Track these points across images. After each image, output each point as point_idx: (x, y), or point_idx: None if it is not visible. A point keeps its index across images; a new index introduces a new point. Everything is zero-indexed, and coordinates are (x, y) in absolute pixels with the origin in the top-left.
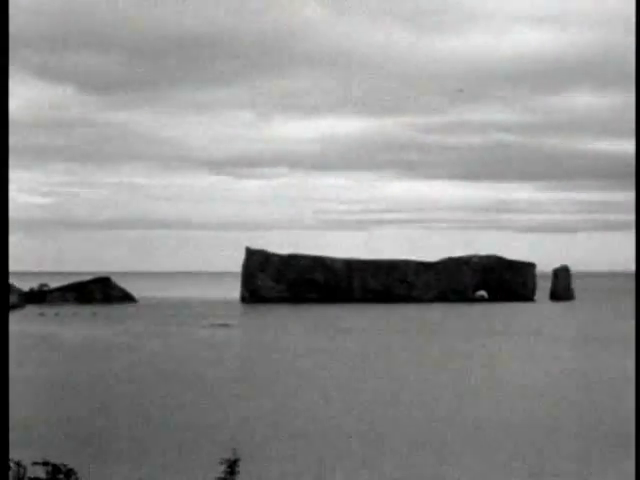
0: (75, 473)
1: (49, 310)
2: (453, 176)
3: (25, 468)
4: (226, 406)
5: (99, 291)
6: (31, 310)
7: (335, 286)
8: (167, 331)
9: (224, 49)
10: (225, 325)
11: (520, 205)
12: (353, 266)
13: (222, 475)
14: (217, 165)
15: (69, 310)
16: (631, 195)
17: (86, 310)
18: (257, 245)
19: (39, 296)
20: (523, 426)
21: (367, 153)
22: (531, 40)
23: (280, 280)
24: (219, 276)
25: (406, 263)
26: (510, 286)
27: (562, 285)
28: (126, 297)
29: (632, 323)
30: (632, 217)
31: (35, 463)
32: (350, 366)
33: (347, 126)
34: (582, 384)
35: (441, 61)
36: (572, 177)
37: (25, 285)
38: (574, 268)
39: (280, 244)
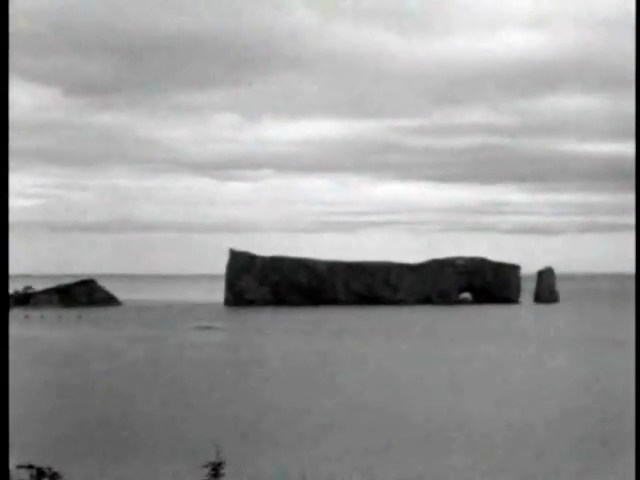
0: (60, 476)
1: (34, 313)
2: (438, 178)
3: (9, 472)
4: (211, 408)
5: (84, 294)
6: (16, 313)
7: (319, 288)
8: (152, 334)
9: (209, 52)
10: (209, 328)
11: (505, 207)
12: (336, 268)
13: (206, 478)
14: (202, 167)
15: (54, 313)
16: (615, 197)
17: (71, 313)
18: (242, 247)
19: (24, 299)
20: (512, 426)
21: (352, 155)
22: (517, 43)
23: (264, 282)
24: (204, 279)
25: (390, 265)
26: (494, 288)
27: (546, 287)
28: (111, 300)
29: (616, 324)
30: (616, 219)
31: (19, 466)
32: (334, 368)
33: (332, 128)
34: (571, 385)
35: (427, 64)
36: (556, 179)
37: (10, 288)
38: (558, 270)
39: (265, 246)
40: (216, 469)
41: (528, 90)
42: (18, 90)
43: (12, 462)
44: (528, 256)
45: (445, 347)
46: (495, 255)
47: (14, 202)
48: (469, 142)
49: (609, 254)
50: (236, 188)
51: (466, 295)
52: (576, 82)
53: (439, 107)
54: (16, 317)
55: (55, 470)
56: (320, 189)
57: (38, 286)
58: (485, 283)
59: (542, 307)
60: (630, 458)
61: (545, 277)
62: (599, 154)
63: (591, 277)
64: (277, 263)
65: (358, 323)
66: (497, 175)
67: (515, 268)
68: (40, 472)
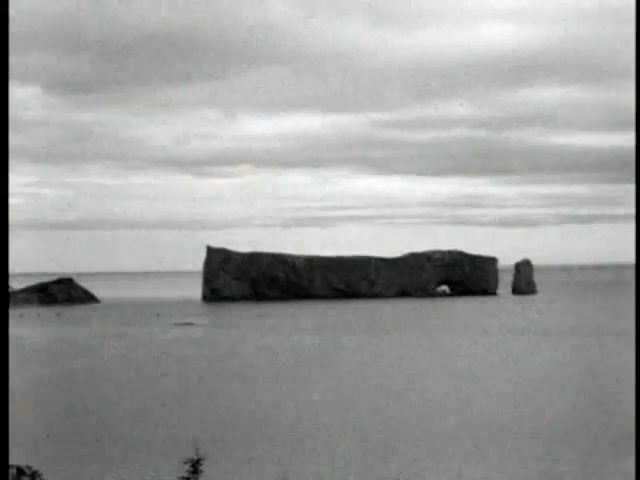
0: (40, 475)
1: (12, 312)
2: (416, 172)
3: (8, 472)
4: (190, 405)
5: (62, 292)
6: None
7: (297, 283)
8: (130, 331)
9: (188, 48)
10: (187, 324)
11: (483, 200)
12: (314, 263)
13: (186, 475)
14: (180, 164)
15: (33, 311)
16: (593, 189)
17: (50, 311)
18: (221, 244)
19: None
20: (498, 421)
21: (331, 150)
22: (496, 36)
23: (241, 278)
24: (182, 275)
25: (367, 260)
26: (472, 281)
27: (524, 279)
28: (89, 297)
29: (594, 314)
30: (594, 211)
31: None
32: (312, 363)
33: (311, 123)
34: (552, 377)
35: (406, 57)
36: (535, 171)
37: None
38: (536, 262)
39: (244, 242)
40: (195, 466)
41: (507, 83)
42: None
43: None
44: (506, 249)
45: (424, 340)
46: (474, 248)
47: None
48: (448, 135)
49: (587, 246)
50: (215, 184)
51: (444, 288)
52: (555, 74)
53: (418, 101)
54: None
55: (35, 469)
56: (299, 184)
57: (16, 285)
58: (462, 276)
59: (520, 299)
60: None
61: (522, 269)
62: (578, 146)
63: (569, 269)
64: (254, 259)
65: (336, 317)
66: (475, 168)
67: (492, 260)
68: (20, 471)
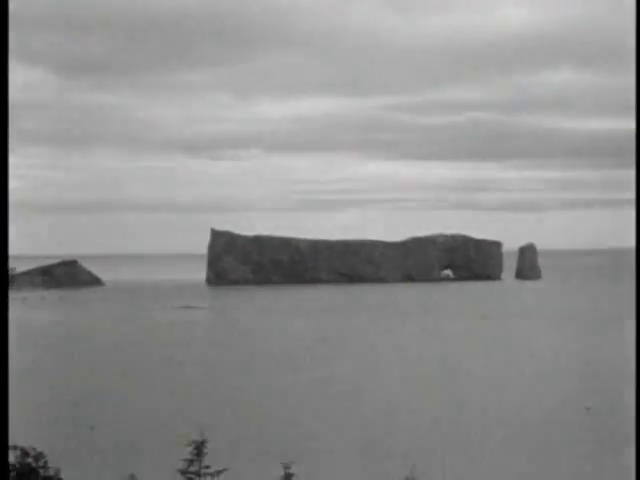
0: (44, 456)
1: (16, 294)
2: (425, 156)
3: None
4: (195, 387)
5: (66, 275)
6: None
7: (301, 267)
8: (133, 314)
9: (201, 31)
10: (191, 307)
11: (490, 184)
12: (319, 247)
13: (189, 456)
14: (190, 147)
15: (36, 294)
16: (599, 173)
17: (53, 294)
18: (227, 227)
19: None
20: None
21: (341, 133)
22: (512, 19)
23: (246, 262)
24: (188, 258)
25: (372, 244)
26: (476, 265)
27: (528, 263)
28: (93, 280)
29: (596, 301)
30: (602, 196)
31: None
32: (316, 346)
33: (321, 106)
34: (549, 363)
35: (420, 40)
36: (542, 155)
37: None
38: (541, 246)
39: (250, 226)
40: (199, 448)
41: (518, 67)
42: (10, 70)
43: None
44: (512, 233)
45: (428, 323)
46: (479, 232)
47: None
48: (458, 119)
49: (593, 230)
50: (224, 167)
51: (447, 272)
52: (568, 59)
53: (429, 84)
54: None
55: (39, 450)
56: (307, 168)
57: (21, 267)
58: (466, 260)
59: (523, 283)
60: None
61: (527, 254)
62: (586, 130)
63: (575, 253)
64: (259, 242)
65: (340, 301)
66: (483, 152)
67: (496, 245)
68: (24, 452)
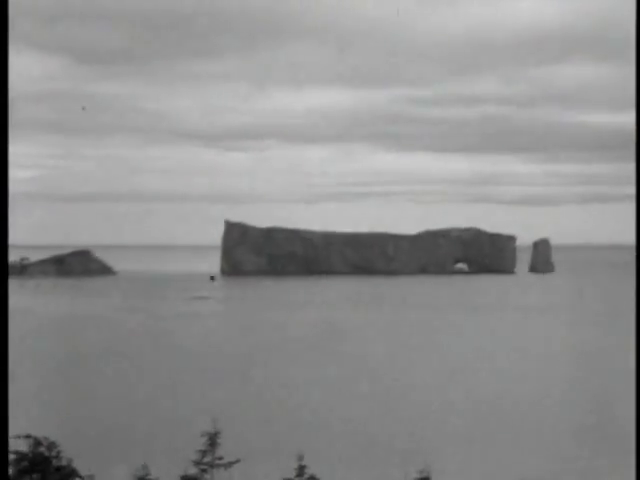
0: (57, 446)
1: (30, 282)
2: (440, 149)
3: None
4: (208, 378)
5: (79, 264)
6: (11, 283)
7: (314, 259)
8: (144, 305)
9: (218, 22)
10: (205, 298)
11: (506, 178)
12: (332, 239)
13: (203, 447)
14: (205, 138)
15: (49, 282)
16: (616, 168)
17: (66, 283)
18: (242, 218)
19: (20, 269)
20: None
21: (357, 125)
22: (531, 12)
23: (259, 253)
24: (201, 250)
25: (385, 236)
26: (489, 259)
27: (542, 258)
28: (105, 270)
29: (607, 296)
30: (617, 190)
31: (17, 437)
32: (333, 337)
33: (337, 98)
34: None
35: (437, 33)
36: (559, 149)
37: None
38: (557, 241)
39: (264, 217)
40: (213, 439)
41: (537, 59)
42: (27, 58)
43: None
44: (527, 227)
45: (441, 316)
46: (494, 226)
47: (13, 173)
48: (475, 112)
49: (608, 225)
50: (238, 159)
51: (461, 265)
52: (586, 52)
53: (446, 77)
54: (12, 287)
55: (52, 440)
56: (322, 160)
57: (34, 257)
58: (480, 254)
59: (537, 277)
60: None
61: (541, 248)
62: (600, 124)
63: (589, 248)
64: (273, 234)
65: (353, 293)
66: (499, 146)
67: (510, 239)
68: (37, 442)
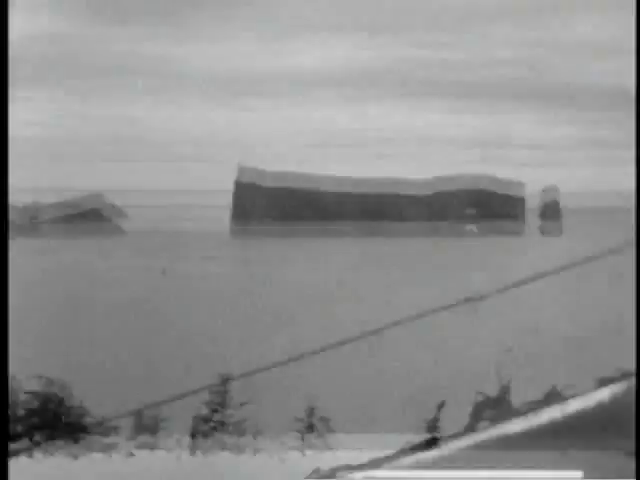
0: (68, 387)
1: (37, 242)
2: (456, 110)
3: (20, 382)
4: (219, 336)
5: (88, 222)
6: (18, 243)
7: (326, 219)
8: (154, 264)
9: None
10: (213, 257)
11: (518, 140)
12: (345, 199)
13: (215, 389)
14: (218, 90)
15: (57, 242)
16: (626, 130)
17: (76, 242)
18: (251, 175)
19: (28, 228)
20: None
21: (370, 81)
22: None
23: (270, 212)
24: (210, 208)
25: (396, 181)
26: (497, 205)
27: (551, 204)
28: (115, 228)
29: (621, 259)
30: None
31: (29, 377)
32: (348, 298)
33: (351, 53)
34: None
35: None
36: (574, 110)
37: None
38: (567, 203)
39: (271, 178)
40: (225, 382)
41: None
42: (41, 18)
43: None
44: (537, 190)
45: (452, 277)
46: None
47: (16, 131)
48: (487, 73)
49: (620, 188)
50: (248, 115)
51: (471, 211)
52: (605, 6)
53: (462, 37)
54: (18, 247)
55: (64, 380)
56: (336, 115)
57: (46, 200)
58: (489, 200)
59: (548, 239)
60: None
61: (549, 194)
62: (611, 86)
63: (600, 210)
64: (283, 191)
65: (365, 253)
66: (514, 107)
67: (520, 185)
68: (49, 381)
